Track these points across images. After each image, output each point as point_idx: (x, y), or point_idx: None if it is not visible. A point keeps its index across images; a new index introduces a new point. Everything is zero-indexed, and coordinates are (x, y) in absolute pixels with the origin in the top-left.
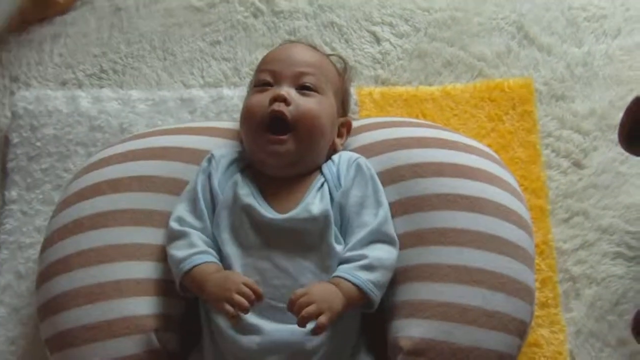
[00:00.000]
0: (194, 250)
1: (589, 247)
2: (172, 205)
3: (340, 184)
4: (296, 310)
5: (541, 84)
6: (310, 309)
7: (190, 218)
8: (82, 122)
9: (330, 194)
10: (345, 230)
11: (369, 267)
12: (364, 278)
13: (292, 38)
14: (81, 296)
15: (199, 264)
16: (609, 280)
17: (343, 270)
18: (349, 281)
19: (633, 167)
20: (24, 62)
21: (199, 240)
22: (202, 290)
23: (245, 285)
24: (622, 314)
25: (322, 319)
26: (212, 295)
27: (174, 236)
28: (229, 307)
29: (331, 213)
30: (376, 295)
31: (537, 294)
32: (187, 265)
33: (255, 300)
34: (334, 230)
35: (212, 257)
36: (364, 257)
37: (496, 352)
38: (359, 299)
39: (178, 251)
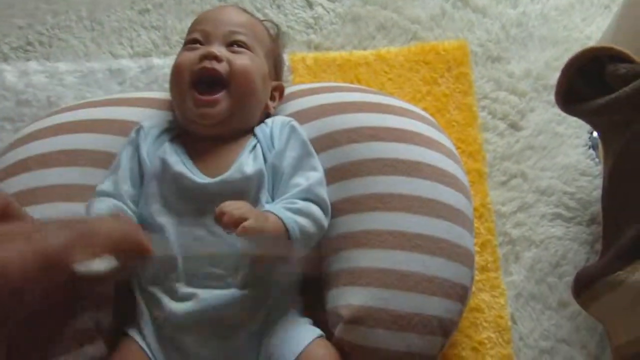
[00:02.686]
0: (104, 205)
1: (528, 209)
2: (102, 179)
3: (273, 146)
4: (219, 214)
5: (476, 45)
6: (237, 212)
7: (109, 188)
8: (8, 97)
9: (264, 155)
10: (276, 193)
11: (296, 211)
12: (289, 215)
13: (223, 4)
14: None
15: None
16: (548, 242)
17: (270, 207)
18: (275, 214)
19: (570, 128)
20: None
21: (110, 200)
22: None
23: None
24: (562, 276)
25: (249, 222)
26: None
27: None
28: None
29: (265, 173)
30: (298, 237)
31: (476, 258)
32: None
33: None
34: (266, 192)
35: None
36: (293, 202)
37: (437, 318)
38: (281, 234)
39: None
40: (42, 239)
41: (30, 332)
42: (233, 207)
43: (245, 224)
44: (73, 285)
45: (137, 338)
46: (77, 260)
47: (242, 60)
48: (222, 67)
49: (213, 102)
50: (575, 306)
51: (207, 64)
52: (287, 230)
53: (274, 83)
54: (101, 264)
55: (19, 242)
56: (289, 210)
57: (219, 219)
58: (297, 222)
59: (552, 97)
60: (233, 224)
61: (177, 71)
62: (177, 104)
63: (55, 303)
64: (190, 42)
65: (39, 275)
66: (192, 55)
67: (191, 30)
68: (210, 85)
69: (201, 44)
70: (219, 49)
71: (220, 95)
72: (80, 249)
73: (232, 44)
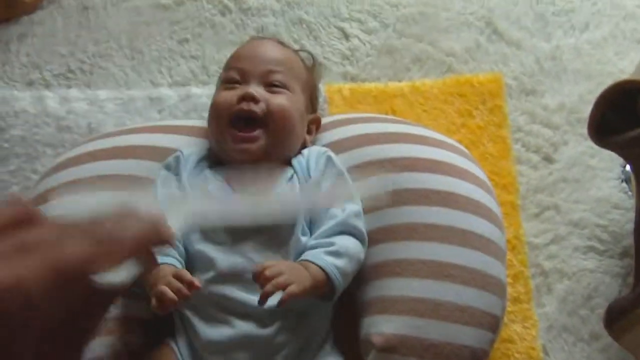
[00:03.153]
0: None
1: (560, 241)
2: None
3: (309, 176)
4: (263, 280)
5: (511, 78)
6: (281, 279)
7: None
8: (49, 123)
9: (300, 185)
10: (313, 222)
11: (335, 253)
12: (330, 261)
13: (261, 35)
14: None
15: None
16: (581, 274)
17: (310, 254)
18: (315, 264)
19: (603, 161)
20: None
21: None
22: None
23: (176, 276)
24: (594, 308)
25: (293, 288)
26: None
27: None
28: (153, 302)
29: None
30: (339, 282)
31: (509, 289)
32: None
33: (190, 290)
34: (302, 221)
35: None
36: (331, 244)
37: (469, 348)
38: (324, 283)
39: None
40: (59, 251)
41: (55, 347)
42: (274, 271)
43: (290, 290)
44: (95, 297)
45: (175, 349)
46: (96, 272)
47: (279, 100)
48: (259, 108)
49: (252, 139)
50: (607, 339)
51: (244, 105)
52: (328, 277)
53: (311, 116)
54: (121, 274)
55: (34, 256)
56: (327, 254)
57: (259, 282)
58: (337, 266)
59: (586, 131)
60: (272, 294)
61: (215, 110)
62: (216, 140)
63: (77, 316)
64: (227, 81)
65: (56, 290)
66: (230, 96)
67: (228, 67)
68: (247, 122)
69: (239, 82)
70: (256, 89)
71: (258, 132)
72: (101, 260)
73: (269, 84)
